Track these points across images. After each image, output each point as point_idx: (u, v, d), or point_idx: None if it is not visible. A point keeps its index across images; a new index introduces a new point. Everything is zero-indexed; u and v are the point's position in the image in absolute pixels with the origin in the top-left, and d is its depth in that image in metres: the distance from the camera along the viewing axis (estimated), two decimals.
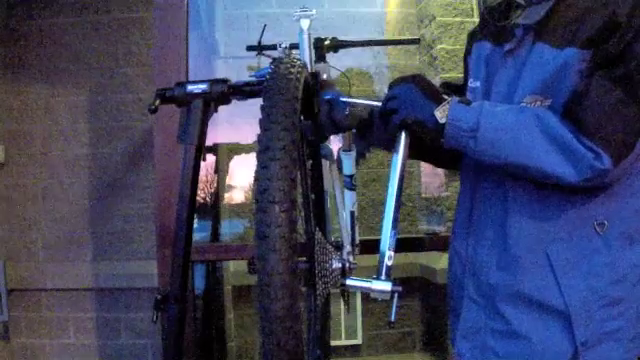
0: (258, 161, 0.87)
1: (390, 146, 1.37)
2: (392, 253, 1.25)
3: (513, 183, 1.33)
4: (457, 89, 1.53)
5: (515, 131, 1.24)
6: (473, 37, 1.53)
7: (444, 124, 1.27)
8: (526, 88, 1.30)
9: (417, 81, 1.32)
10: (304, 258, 1.11)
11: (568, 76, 1.25)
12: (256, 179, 0.87)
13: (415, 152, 1.45)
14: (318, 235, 1.15)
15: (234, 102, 1.51)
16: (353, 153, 2.05)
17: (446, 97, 1.30)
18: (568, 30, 1.26)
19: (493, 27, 1.41)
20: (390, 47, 4.19)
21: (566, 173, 1.22)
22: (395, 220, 1.28)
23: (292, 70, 0.99)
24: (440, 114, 1.28)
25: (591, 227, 1.30)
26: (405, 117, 1.30)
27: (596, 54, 1.23)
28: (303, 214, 1.15)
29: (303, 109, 1.12)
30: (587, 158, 1.20)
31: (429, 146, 1.45)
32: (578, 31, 1.24)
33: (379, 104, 1.38)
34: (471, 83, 1.46)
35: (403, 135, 1.32)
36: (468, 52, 1.54)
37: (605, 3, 1.24)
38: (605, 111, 1.20)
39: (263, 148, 0.88)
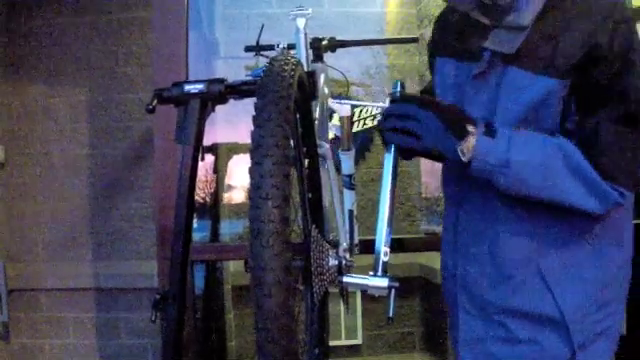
0: (251, 158, 0.87)
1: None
2: (387, 249, 1.25)
3: (501, 202, 1.31)
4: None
5: (543, 167, 1.23)
6: (436, 48, 1.48)
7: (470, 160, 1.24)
8: (507, 113, 1.27)
9: (438, 109, 1.26)
10: (300, 256, 1.11)
11: (551, 103, 1.25)
12: (250, 176, 0.88)
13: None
14: (314, 233, 1.15)
15: (232, 102, 1.51)
16: (352, 153, 2.06)
17: (469, 127, 1.23)
18: (543, 56, 1.24)
19: (454, 43, 1.38)
20: (390, 47, 4.19)
21: (591, 206, 1.24)
22: (390, 217, 1.29)
23: (285, 68, 0.99)
24: (465, 150, 1.23)
25: (582, 238, 1.30)
26: (430, 147, 1.27)
27: (580, 82, 1.23)
28: (300, 212, 1.15)
29: (298, 107, 1.13)
30: (614, 197, 1.23)
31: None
32: (556, 59, 1.22)
33: (384, 105, 1.37)
34: None
35: None
36: (432, 66, 1.49)
37: (581, 30, 1.21)
38: (621, 154, 1.23)
39: (256, 145, 0.88)
